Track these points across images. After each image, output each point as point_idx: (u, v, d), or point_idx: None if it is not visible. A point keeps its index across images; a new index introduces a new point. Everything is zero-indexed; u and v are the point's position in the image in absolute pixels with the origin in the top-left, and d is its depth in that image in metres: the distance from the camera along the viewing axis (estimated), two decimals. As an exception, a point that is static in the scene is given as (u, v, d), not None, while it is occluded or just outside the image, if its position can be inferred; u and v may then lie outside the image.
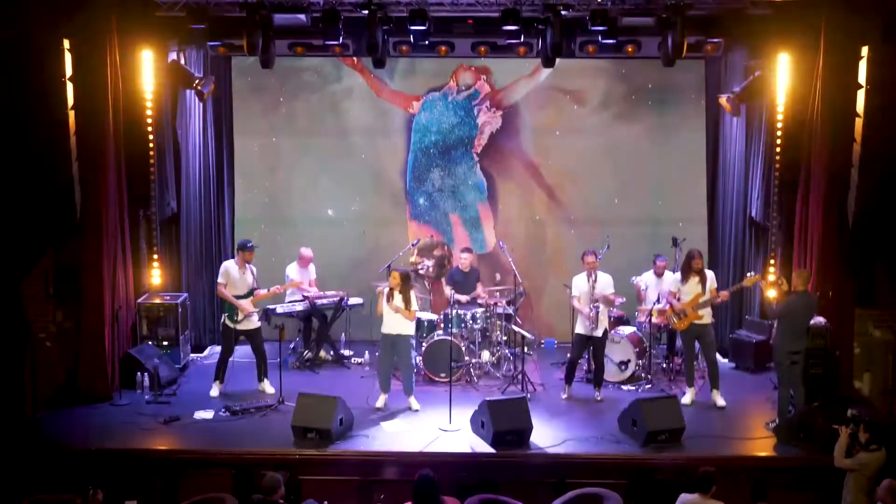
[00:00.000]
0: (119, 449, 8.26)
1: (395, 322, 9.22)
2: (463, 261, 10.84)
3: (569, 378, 9.79)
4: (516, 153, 11.97)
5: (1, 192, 8.96)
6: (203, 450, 8.26)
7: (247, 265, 9.74)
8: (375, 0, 9.58)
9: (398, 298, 9.15)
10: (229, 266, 9.72)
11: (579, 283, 9.61)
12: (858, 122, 9.46)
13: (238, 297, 9.62)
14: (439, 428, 8.74)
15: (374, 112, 11.95)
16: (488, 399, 8.55)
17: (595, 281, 9.46)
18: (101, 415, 9.12)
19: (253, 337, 9.82)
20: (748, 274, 9.45)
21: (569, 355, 9.90)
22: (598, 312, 9.44)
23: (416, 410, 9.27)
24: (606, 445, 8.36)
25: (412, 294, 9.24)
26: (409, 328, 9.32)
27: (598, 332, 9.54)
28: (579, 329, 9.61)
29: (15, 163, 9.02)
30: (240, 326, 9.69)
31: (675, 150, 11.80)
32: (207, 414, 9.09)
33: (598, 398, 9.67)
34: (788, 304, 8.71)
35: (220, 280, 9.67)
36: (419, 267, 11.14)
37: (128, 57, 9.93)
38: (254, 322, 9.78)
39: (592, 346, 9.71)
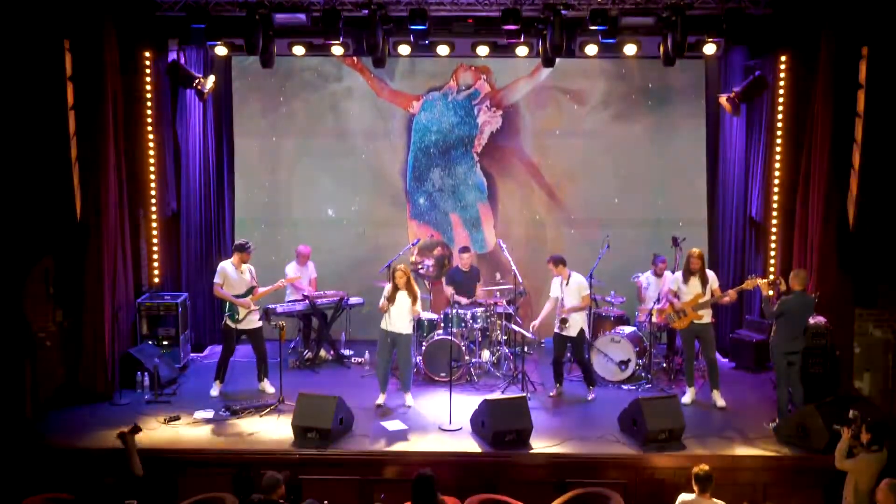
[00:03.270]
0: (119, 449, 8.23)
1: (399, 319, 9.25)
2: (463, 260, 10.83)
3: (557, 377, 9.80)
4: (516, 153, 11.98)
5: (1, 192, 8.96)
6: (203, 450, 8.27)
7: (244, 265, 9.75)
8: (375, 0, 9.59)
9: (404, 295, 9.17)
10: (226, 266, 9.72)
11: (554, 285, 9.72)
12: (858, 123, 9.47)
13: (237, 297, 9.63)
14: (439, 428, 8.74)
15: (374, 112, 11.95)
16: (488, 399, 8.56)
17: (567, 285, 9.52)
18: (101, 415, 9.11)
19: (254, 336, 9.82)
20: (749, 276, 9.44)
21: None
22: (563, 319, 9.51)
23: (409, 407, 9.31)
24: (606, 445, 8.36)
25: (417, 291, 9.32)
26: (410, 326, 9.39)
27: (573, 333, 9.56)
28: (555, 328, 9.68)
29: (15, 163, 9.01)
30: (241, 326, 9.69)
31: (675, 150, 11.80)
32: (207, 414, 9.09)
33: (590, 398, 9.68)
34: (785, 305, 8.71)
35: (216, 280, 9.67)
36: (419, 267, 11.13)
37: (128, 57, 9.94)
38: (255, 321, 9.79)
39: (572, 346, 9.71)
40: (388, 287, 9.31)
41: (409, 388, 9.47)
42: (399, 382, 9.58)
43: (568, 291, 9.53)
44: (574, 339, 9.61)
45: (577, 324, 9.58)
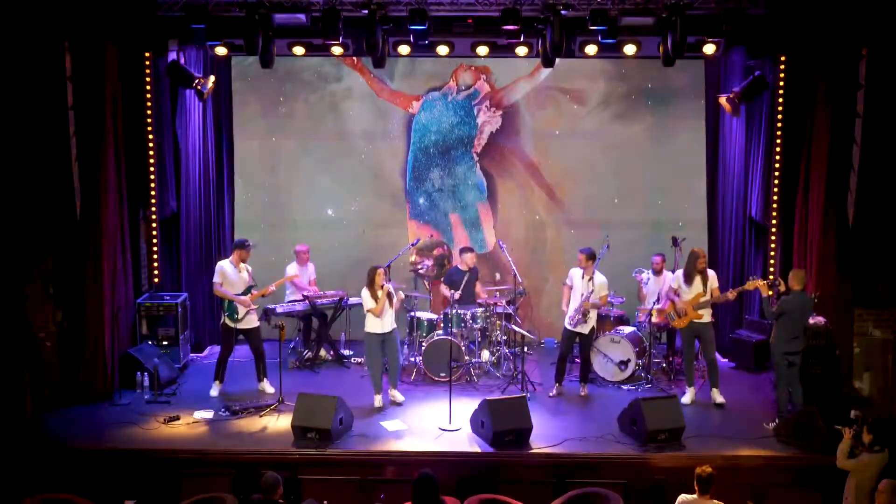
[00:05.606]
0: (119, 449, 8.26)
1: (388, 319, 9.31)
2: (465, 260, 10.77)
3: (558, 375, 9.83)
4: (516, 153, 11.98)
5: (1, 192, 8.96)
6: (203, 450, 8.26)
7: (242, 264, 9.74)
8: (375, 0, 9.59)
9: (380, 295, 9.24)
10: (224, 265, 9.71)
11: (575, 275, 9.73)
12: (858, 123, 9.47)
13: (236, 296, 9.62)
14: (439, 428, 8.74)
15: (374, 112, 11.95)
16: (488, 399, 8.56)
17: (591, 280, 9.51)
18: (101, 415, 9.12)
19: (252, 336, 9.81)
20: (750, 278, 9.45)
21: (558, 351, 9.98)
22: (585, 312, 9.55)
23: (400, 403, 9.36)
24: (606, 445, 8.35)
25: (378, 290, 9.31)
26: (394, 323, 9.46)
27: (585, 330, 9.63)
28: (566, 323, 9.72)
29: (15, 163, 9.01)
30: (240, 325, 9.69)
31: (675, 150, 11.80)
32: (207, 414, 9.09)
33: (583, 393, 9.76)
34: (784, 305, 8.72)
35: (215, 279, 9.67)
36: (419, 267, 11.13)
37: (127, 57, 9.94)
38: (253, 321, 9.78)
39: (580, 342, 9.76)
40: (366, 292, 9.27)
41: (397, 384, 9.52)
42: (388, 380, 9.57)
43: (593, 287, 9.53)
44: (586, 336, 9.67)
45: (591, 321, 9.64)
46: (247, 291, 9.70)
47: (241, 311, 9.64)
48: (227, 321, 9.68)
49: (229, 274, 9.65)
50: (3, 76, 8.84)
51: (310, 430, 8.34)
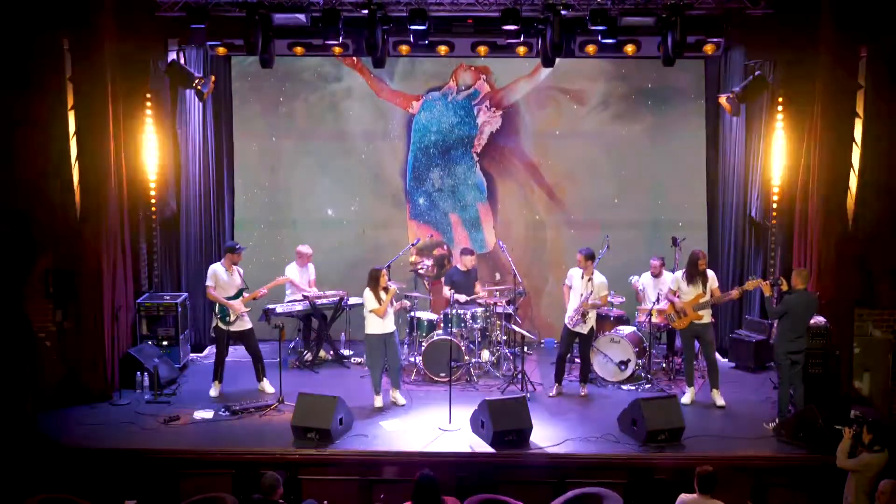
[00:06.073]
0: (119, 449, 8.26)
1: (390, 320, 9.32)
2: (465, 261, 10.77)
3: (558, 375, 9.83)
4: (516, 153, 11.98)
5: (1, 192, 8.96)
6: (203, 450, 8.26)
7: (234, 267, 9.74)
8: (375, 0, 9.59)
9: (382, 296, 9.24)
10: (217, 269, 9.71)
11: (574, 275, 9.73)
12: (858, 123, 9.47)
13: (227, 299, 9.63)
14: (439, 428, 8.73)
15: (374, 112, 11.95)
16: (488, 399, 8.56)
17: (591, 281, 9.51)
18: (101, 415, 9.12)
19: (246, 338, 9.81)
20: (749, 278, 9.44)
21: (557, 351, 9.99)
22: (584, 313, 9.55)
23: (403, 405, 9.34)
24: (606, 445, 8.35)
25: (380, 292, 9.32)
26: (394, 324, 9.48)
27: (584, 330, 9.63)
28: (566, 323, 9.74)
29: (15, 163, 9.01)
30: (232, 328, 9.68)
31: (675, 150, 11.80)
32: (207, 414, 9.09)
33: (583, 393, 9.77)
34: (788, 303, 8.72)
35: (208, 283, 9.67)
36: (419, 267, 11.13)
37: (127, 57, 9.94)
38: (246, 323, 9.78)
39: (580, 342, 9.76)
40: (369, 293, 9.26)
41: (400, 385, 9.52)
42: (390, 381, 9.57)
43: (592, 287, 9.54)
44: (585, 336, 9.68)
45: (591, 321, 9.66)
46: (238, 294, 9.70)
47: (233, 314, 9.63)
48: (220, 324, 9.68)
49: (222, 277, 9.65)
50: (3, 76, 8.83)
51: (310, 430, 8.34)
